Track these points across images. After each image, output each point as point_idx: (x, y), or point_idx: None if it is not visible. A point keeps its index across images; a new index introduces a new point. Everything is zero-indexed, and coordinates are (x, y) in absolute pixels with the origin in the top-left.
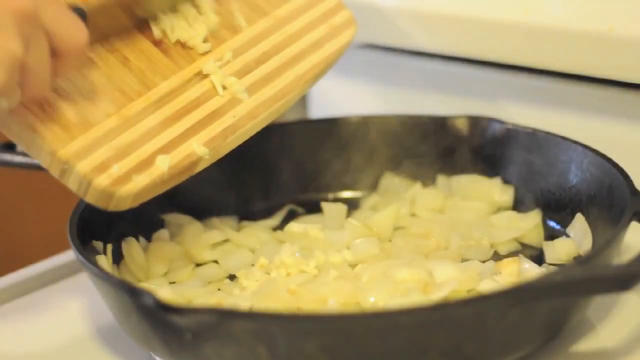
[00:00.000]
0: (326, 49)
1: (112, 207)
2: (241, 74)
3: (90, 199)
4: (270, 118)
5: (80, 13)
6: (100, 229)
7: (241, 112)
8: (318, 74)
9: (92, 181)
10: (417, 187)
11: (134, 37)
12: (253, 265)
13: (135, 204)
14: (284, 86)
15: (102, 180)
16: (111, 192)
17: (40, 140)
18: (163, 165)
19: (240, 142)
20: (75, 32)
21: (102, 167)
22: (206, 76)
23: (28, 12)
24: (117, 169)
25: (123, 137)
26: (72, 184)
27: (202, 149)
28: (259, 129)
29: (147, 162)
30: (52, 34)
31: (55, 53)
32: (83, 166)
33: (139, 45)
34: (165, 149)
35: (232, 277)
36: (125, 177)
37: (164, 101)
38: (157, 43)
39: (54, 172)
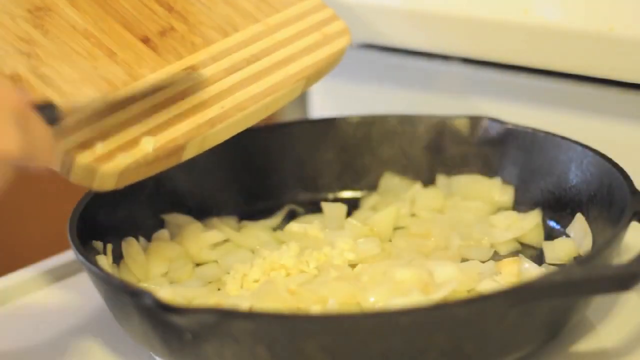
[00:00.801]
0: (317, 54)
1: (97, 185)
2: (230, 71)
3: (74, 177)
4: (261, 114)
5: (51, 118)
6: (100, 229)
7: (229, 104)
8: (309, 78)
9: (75, 158)
10: (417, 187)
11: (121, 34)
12: (252, 265)
13: (121, 184)
14: (274, 84)
15: (85, 157)
16: (94, 168)
17: None
18: (148, 145)
19: (229, 134)
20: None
21: (86, 145)
22: (195, 69)
23: (13, 157)
24: (101, 147)
25: (108, 120)
26: (55, 162)
27: (187, 134)
28: (249, 123)
29: (132, 143)
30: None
31: None
32: (66, 143)
33: (126, 41)
34: (151, 132)
35: None
36: (109, 155)
37: (151, 90)
38: (145, 40)
39: None
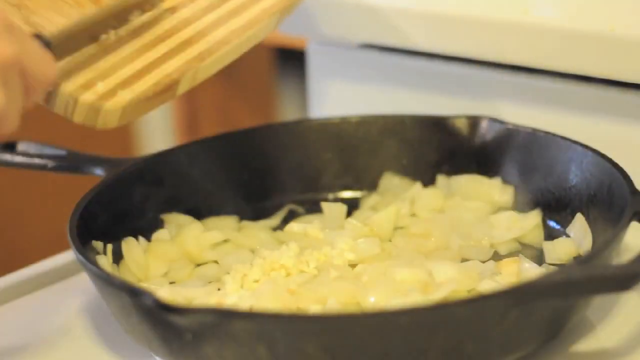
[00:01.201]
0: None
1: (100, 123)
2: (208, 10)
3: (77, 118)
4: (244, 47)
5: (46, 42)
6: (100, 229)
7: (214, 39)
8: (282, 11)
9: (78, 98)
10: (417, 187)
11: None
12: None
13: (123, 121)
14: (251, 18)
15: (89, 96)
16: (98, 106)
17: None
18: (145, 81)
19: (218, 67)
20: (47, 70)
21: (87, 85)
22: (176, 10)
23: (11, 59)
24: (102, 86)
25: (103, 61)
26: (58, 106)
27: (180, 68)
28: (234, 56)
29: (130, 80)
30: (27, 74)
31: (26, 90)
32: (68, 85)
33: None
34: (146, 69)
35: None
36: (111, 93)
37: (137, 32)
38: None
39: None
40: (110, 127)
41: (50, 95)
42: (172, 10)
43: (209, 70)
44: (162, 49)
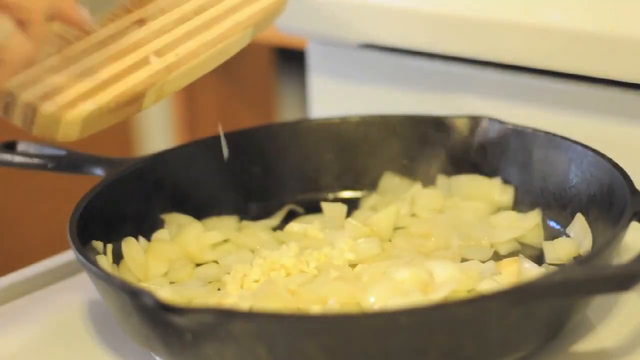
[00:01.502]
0: (262, 2)
1: (61, 135)
2: (180, 21)
3: (37, 129)
4: (214, 61)
5: None
6: (100, 229)
7: (183, 52)
8: (256, 25)
9: (37, 108)
10: (417, 187)
11: None
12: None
13: (84, 133)
14: (223, 31)
15: (48, 106)
16: (58, 117)
17: None
18: (108, 93)
19: (186, 81)
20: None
21: (47, 96)
22: (144, 23)
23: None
24: (62, 97)
25: (66, 72)
26: (17, 117)
27: (146, 81)
28: (204, 70)
29: (92, 91)
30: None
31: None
32: (27, 95)
33: None
34: (110, 81)
35: None
36: (71, 104)
37: (104, 43)
38: None
39: None
40: (72, 139)
41: (9, 105)
42: (141, 22)
43: (177, 83)
44: (128, 60)
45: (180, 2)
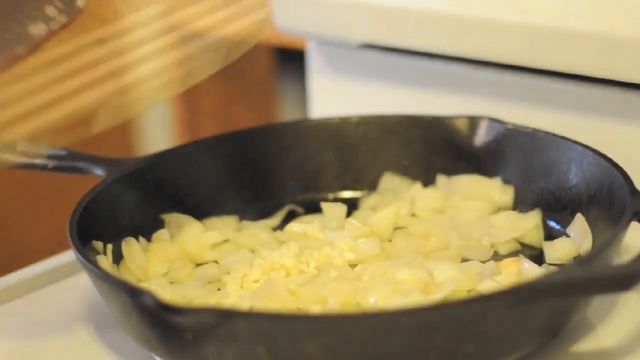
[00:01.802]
0: (235, 25)
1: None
2: (143, 42)
3: None
4: (179, 85)
5: None
6: (100, 229)
7: (143, 73)
8: (229, 49)
9: None
10: (417, 187)
11: None
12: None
13: (25, 156)
14: (190, 53)
15: None
16: None
17: None
18: (54, 113)
19: (146, 105)
20: None
21: None
22: (105, 42)
23: None
24: (2, 115)
25: (10, 89)
26: None
27: (96, 102)
28: (166, 94)
29: (37, 110)
30: None
31: None
32: None
33: None
34: (57, 100)
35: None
36: (12, 122)
37: (56, 62)
38: None
39: None
40: (8, 166)
41: None
42: (101, 41)
43: (135, 107)
44: (81, 79)
45: (147, 22)
